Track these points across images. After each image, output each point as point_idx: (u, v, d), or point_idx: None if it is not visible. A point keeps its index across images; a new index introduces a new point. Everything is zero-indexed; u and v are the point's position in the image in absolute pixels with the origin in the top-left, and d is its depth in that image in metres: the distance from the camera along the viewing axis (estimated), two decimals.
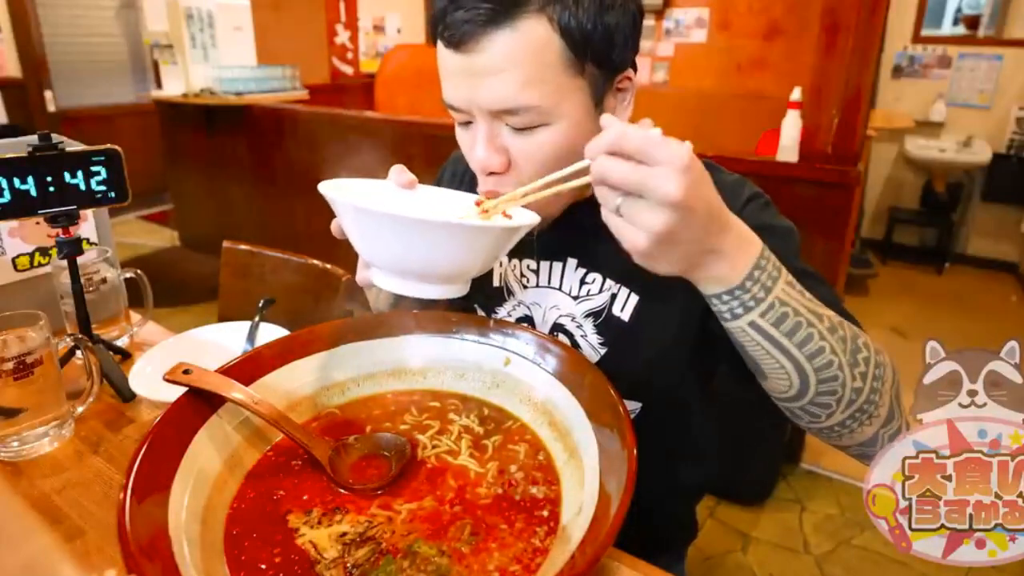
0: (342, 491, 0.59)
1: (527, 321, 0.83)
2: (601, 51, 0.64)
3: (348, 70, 4.80)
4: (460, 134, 0.72)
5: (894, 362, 0.63)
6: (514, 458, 0.63)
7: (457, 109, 0.68)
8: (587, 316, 0.78)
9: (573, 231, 0.78)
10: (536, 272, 0.82)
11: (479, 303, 0.87)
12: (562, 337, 0.80)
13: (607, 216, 0.51)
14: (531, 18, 0.61)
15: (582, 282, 0.79)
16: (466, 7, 0.61)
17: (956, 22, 4.20)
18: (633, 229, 0.49)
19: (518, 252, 0.82)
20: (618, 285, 0.77)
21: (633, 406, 0.80)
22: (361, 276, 0.69)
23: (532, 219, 0.64)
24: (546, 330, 0.81)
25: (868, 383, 0.59)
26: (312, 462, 0.62)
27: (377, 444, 0.65)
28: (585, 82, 0.65)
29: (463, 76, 0.64)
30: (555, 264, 0.81)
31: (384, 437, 0.65)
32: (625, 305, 0.77)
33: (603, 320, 0.78)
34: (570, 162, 0.59)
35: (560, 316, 0.80)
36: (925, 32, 4.07)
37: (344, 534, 0.54)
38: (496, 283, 0.85)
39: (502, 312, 0.85)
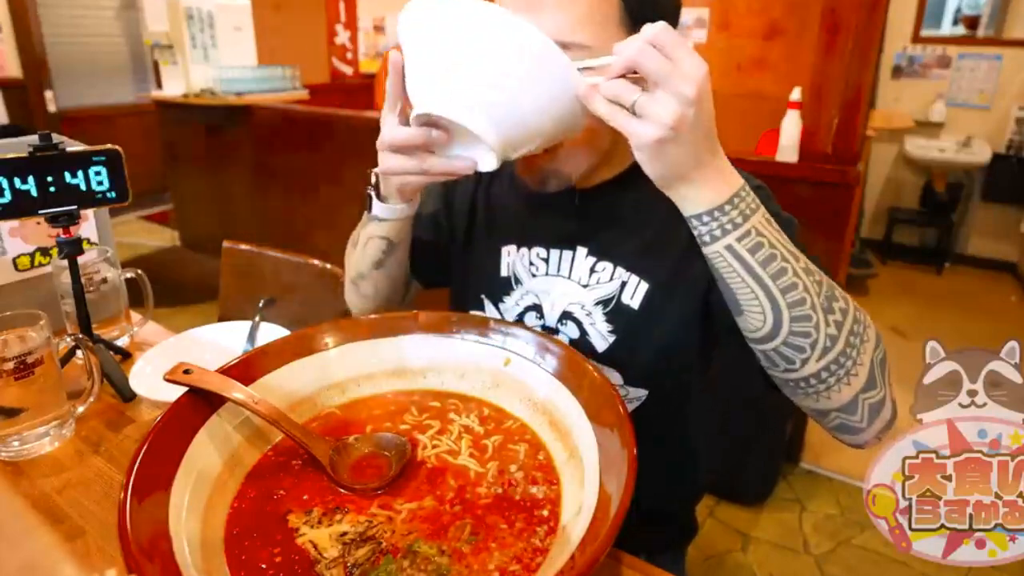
0: (342, 491, 0.59)
1: (535, 309, 0.83)
2: (650, 17, 0.68)
3: (348, 70, 4.80)
4: None
5: (880, 334, 0.64)
6: (514, 458, 0.63)
7: None
8: (597, 304, 0.79)
9: (583, 220, 0.80)
10: (546, 260, 0.83)
11: (486, 292, 0.87)
12: (571, 325, 0.81)
13: (615, 115, 0.55)
14: None
15: (592, 270, 0.80)
16: None
17: (956, 22, 4.20)
18: (644, 122, 0.54)
19: (528, 240, 0.84)
20: (628, 273, 0.78)
21: (639, 393, 0.80)
22: (388, 162, 0.67)
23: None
24: (555, 318, 0.82)
25: (844, 334, 0.59)
26: (312, 462, 0.62)
27: (377, 444, 0.65)
28: None
29: (527, 5, 0.67)
30: (565, 252, 0.82)
31: (384, 437, 0.65)
32: (635, 293, 0.78)
33: (612, 308, 0.79)
34: None
35: (569, 304, 0.81)
36: (925, 32, 4.07)
37: (344, 534, 0.54)
38: (504, 272, 0.86)
39: (510, 301, 0.85)
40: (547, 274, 0.83)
